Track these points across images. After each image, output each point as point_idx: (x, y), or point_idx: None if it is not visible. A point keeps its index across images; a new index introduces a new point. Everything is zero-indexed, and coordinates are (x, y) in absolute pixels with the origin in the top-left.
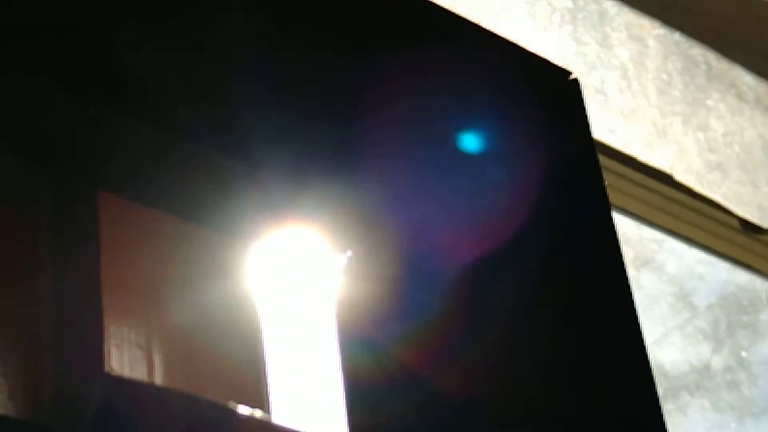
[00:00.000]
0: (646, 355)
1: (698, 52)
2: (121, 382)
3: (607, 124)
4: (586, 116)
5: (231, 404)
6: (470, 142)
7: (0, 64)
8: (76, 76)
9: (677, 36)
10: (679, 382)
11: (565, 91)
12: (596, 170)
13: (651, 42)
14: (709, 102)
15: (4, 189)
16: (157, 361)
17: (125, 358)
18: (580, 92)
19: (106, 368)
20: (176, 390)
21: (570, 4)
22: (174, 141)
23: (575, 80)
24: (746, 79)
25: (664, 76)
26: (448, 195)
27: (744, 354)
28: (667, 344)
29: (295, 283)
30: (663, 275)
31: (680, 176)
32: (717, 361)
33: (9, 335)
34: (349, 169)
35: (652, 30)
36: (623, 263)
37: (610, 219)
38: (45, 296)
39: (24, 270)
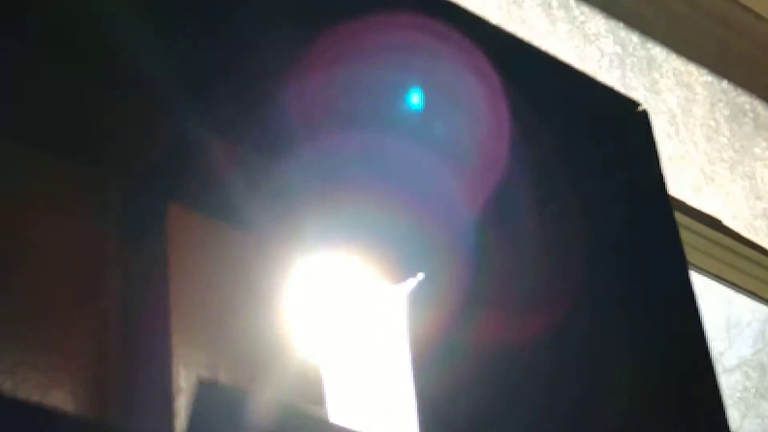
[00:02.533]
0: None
1: (745, 100)
2: (214, 387)
3: None
4: (656, 147)
5: (323, 413)
6: (536, 169)
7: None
8: (149, 88)
9: (725, 84)
10: None
11: (635, 122)
12: (666, 201)
13: (699, 89)
14: (756, 150)
15: (74, 199)
16: (223, 379)
17: (192, 377)
18: (649, 124)
19: (173, 383)
20: (270, 397)
21: (619, 50)
22: (241, 154)
23: (645, 111)
24: None
25: (712, 123)
26: (517, 223)
27: None
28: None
29: (360, 298)
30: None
31: (727, 222)
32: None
33: (76, 348)
34: (418, 191)
35: (699, 77)
36: (695, 296)
37: (681, 247)
38: (113, 310)
39: (93, 282)
